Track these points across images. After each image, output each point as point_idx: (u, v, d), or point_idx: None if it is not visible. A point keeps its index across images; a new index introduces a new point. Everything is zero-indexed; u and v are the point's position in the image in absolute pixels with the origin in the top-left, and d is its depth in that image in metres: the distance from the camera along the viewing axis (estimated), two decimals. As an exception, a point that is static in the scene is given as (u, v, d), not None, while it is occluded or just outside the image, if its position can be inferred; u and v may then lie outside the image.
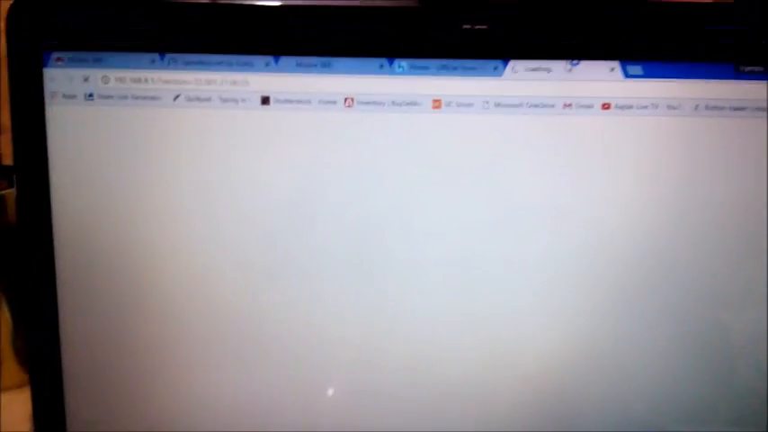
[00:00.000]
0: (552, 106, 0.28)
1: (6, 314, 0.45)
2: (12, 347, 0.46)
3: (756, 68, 0.27)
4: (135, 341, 0.32)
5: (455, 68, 0.28)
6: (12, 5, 0.28)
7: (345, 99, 0.28)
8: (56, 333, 0.32)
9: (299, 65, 0.28)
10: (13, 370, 0.45)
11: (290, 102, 0.28)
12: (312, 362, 0.32)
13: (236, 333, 0.31)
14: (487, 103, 0.28)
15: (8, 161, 0.35)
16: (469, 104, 0.28)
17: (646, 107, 0.28)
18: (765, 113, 0.28)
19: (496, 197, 0.29)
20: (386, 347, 0.31)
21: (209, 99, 0.28)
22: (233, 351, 0.32)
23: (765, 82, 0.28)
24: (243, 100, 0.28)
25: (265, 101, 0.28)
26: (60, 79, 0.29)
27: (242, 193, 0.30)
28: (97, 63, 0.29)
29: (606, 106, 0.28)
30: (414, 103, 0.28)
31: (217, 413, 0.33)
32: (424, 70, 0.28)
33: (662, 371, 0.32)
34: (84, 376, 0.32)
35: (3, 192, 0.43)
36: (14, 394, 0.43)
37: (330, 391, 0.32)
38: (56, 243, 0.30)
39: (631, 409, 0.32)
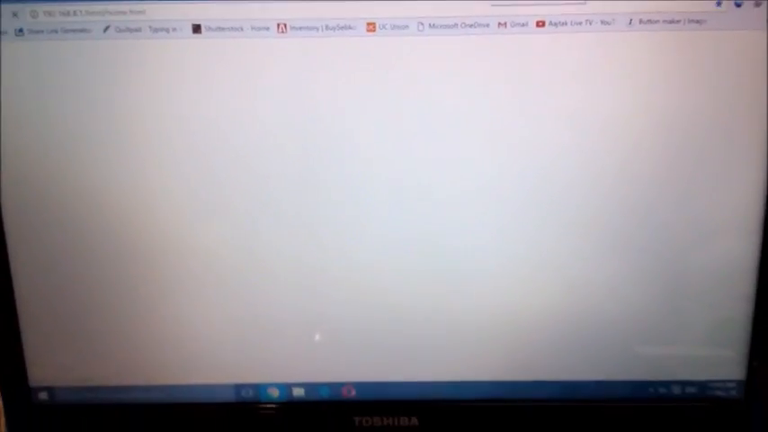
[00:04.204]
0: (487, 26, 0.28)
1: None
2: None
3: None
4: (92, 290, 0.32)
5: (387, -11, 0.28)
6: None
7: (278, 25, 0.28)
8: (9, 284, 0.32)
9: (228, -10, 0.28)
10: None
11: (222, 29, 0.28)
12: (263, 299, 0.32)
13: (185, 271, 0.32)
14: (422, 24, 0.28)
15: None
16: (404, 27, 0.28)
17: (580, 23, 0.28)
18: (699, 25, 0.28)
19: (437, 120, 0.29)
20: (334, 275, 0.31)
21: (139, 29, 0.28)
22: (184, 292, 0.32)
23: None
24: (174, 29, 0.28)
25: (197, 29, 0.28)
26: (-11, 16, 0.28)
27: (180, 123, 0.29)
28: (25, -2, 0.28)
29: (541, 24, 0.28)
30: (348, 27, 0.28)
31: (176, 361, 0.33)
32: (355, -9, 0.28)
33: (621, 295, 0.32)
34: (43, 330, 0.33)
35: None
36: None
37: (290, 329, 0.33)
38: (0, 186, 0.30)
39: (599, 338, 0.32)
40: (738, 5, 0.28)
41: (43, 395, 0.33)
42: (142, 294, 0.32)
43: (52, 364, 0.33)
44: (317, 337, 0.32)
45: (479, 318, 0.32)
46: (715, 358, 0.32)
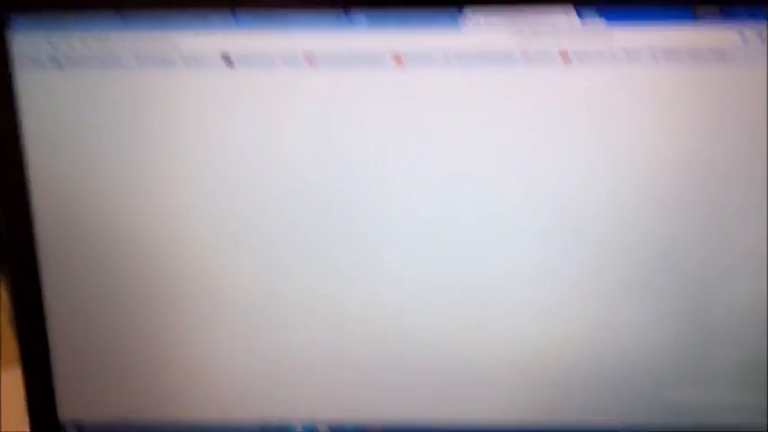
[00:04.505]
0: (512, 57, 0.28)
1: (3, 290, 0.45)
2: (10, 324, 0.46)
3: (711, 9, 0.27)
4: (122, 323, 0.32)
5: (413, 19, 0.28)
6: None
7: (307, 57, 0.29)
8: (41, 316, 0.32)
9: (256, 19, 0.28)
10: (11, 347, 0.45)
11: (253, 61, 0.29)
12: (291, 336, 0.32)
13: (213, 306, 0.32)
14: (448, 56, 0.28)
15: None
16: (430, 58, 0.28)
17: (605, 56, 0.28)
18: (724, 60, 0.28)
19: (462, 153, 0.30)
20: (361, 312, 0.32)
21: (171, 60, 0.29)
22: (212, 328, 0.32)
23: (721, 25, 0.28)
24: (205, 61, 0.29)
25: (228, 60, 0.29)
26: (25, 45, 0.29)
27: (213, 156, 0.30)
28: (60, 27, 0.29)
29: (565, 56, 0.28)
30: (374, 59, 0.29)
31: (203, 396, 0.33)
32: (382, 21, 0.28)
33: (646, 339, 0.31)
34: (73, 363, 0.33)
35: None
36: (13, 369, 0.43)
37: (317, 367, 0.33)
38: (35, 216, 0.31)
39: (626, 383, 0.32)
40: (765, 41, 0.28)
41: (72, 430, 0.34)
42: (169, 330, 0.32)
43: (81, 398, 0.33)
44: (344, 375, 0.32)
45: (507, 358, 0.32)
46: (743, 405, 0.32)
